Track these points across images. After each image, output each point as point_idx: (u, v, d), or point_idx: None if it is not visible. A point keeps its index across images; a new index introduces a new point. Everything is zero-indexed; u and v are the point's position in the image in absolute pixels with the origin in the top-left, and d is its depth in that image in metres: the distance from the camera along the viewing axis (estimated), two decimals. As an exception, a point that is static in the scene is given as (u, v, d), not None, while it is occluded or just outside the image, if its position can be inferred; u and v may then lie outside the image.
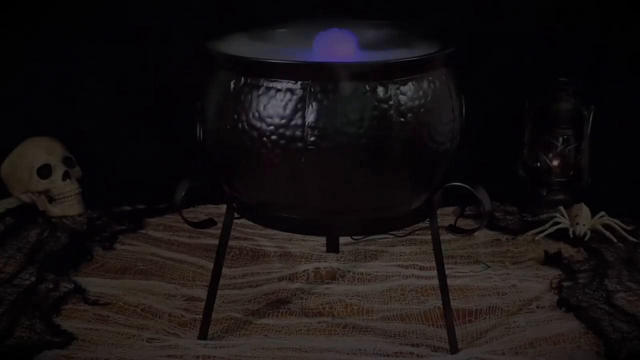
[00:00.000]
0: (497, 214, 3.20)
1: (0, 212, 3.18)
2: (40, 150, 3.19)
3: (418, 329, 2.42)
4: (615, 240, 2.94)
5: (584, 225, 2.97)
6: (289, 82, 1.97)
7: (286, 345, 2.34)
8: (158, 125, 3.36)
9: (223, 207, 2.33)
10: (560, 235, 2.99)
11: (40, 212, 3.20)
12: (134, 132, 3.38)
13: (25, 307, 2.51)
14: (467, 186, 2.13)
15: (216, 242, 2.34)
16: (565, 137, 3.15)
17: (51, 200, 3.20)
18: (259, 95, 1.99)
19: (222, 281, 2.44)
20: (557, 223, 3.01)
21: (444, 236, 2.77)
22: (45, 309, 2.50)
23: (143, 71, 3.30)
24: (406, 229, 3.00)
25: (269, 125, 1.98)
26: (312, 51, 2.21)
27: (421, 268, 2.79)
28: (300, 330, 2.42)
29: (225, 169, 2.18)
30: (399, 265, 2.81)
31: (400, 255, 2.89)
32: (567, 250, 2.92)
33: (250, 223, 2.53)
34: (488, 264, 2.82)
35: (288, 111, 1.96)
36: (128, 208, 3.28)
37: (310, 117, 1.94)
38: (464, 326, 2.44)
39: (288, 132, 1.97)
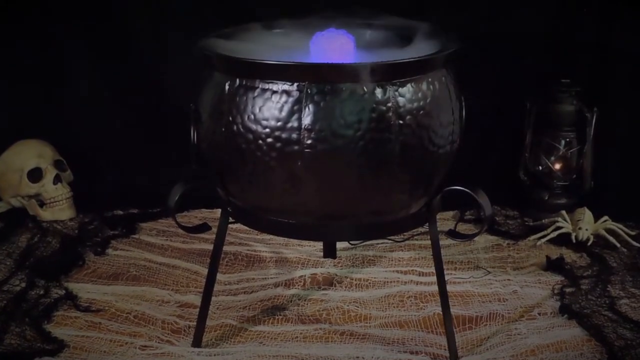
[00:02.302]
0: (497, 219, 3.20)
1: (-10, 217, 3.19)
2: (30, 154, 3.18)
3: (417, 336, 2.42)
4: (618, 245, 2.95)
5: (586, 230, 2.97)
6: (285, 84, 1.96)
7: (282, 352, 2.34)
8: (151, 127, 3.36)
9: (218, 212, 2.33)
10: (563, 240, 2.99)
11: (30, 217, 3.20)
12: (126, 135, 3.38)
13: (15, 313, 2.51)
14: (467, 190, 2.13)
15: (210, 247, 2.34)
16: (567, 139, 3.15)
17: (42, 204, 3.20)
18: (254, 97, 1.99)
19: (216, 287, 2.44)
20: (559, 228, 3.01)
21: (444, 241, 2.78)
22: (36, 315, 2.50)
23: (136, 72, 3.30)
24: (405, 233, 3.01)
25: (265, 127, 1.98)
26: (309, 52, 2.21)
27: (420, 274, 2.79)
28: (297, 337, 2.42)
29: (219, 172, 2.18)
30: (397, 271, 2.81)
31: (399, 261, 2.89)
32: (569, 255, 2.92)
33: (246, 228, 2.53)
34: (488, 269, 2.82)
35: (284, 113, 1.96)
36: (120, 212, 3.28)
37: (306, 120, 1.94)
38: (464, 333, 2.44)
39: (284, 135, 1.96)
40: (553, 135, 3.16)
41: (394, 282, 2.74)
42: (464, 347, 2.37)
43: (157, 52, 3.28)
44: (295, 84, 1.95)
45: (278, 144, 1.97)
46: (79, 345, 2.37)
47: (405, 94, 1.99)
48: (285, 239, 2.96)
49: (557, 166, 3.17)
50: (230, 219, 2.29)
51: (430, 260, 2.74)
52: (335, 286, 2.72)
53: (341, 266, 2.85)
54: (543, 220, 3.12)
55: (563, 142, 3.15)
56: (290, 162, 1.98)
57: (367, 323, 2.50)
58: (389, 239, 3.03)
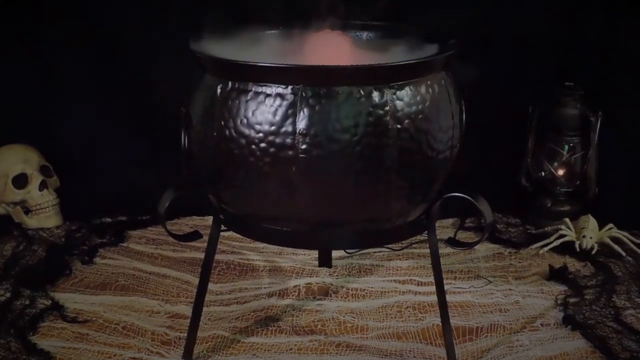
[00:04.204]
0: (499, 226, 3.21)
1: (-26, 224, 3.19)
2: (15, 159, 3.18)
3: (415, 348, 2.43)
4: (624, 254, 2.95)
5: (591, 238, 2.97)
6: (279, 87, 1.96)
7: (276, 365, 2.35)
8: (141, 132, 3.36)
9: (209, 219, 2.33)
10: (566, 248, 3.00)
11: (15, 224, 3.20)
12: (115, 139, 3.37)
13: (0, 324, 2.50)
14: (467, 197, 2.13)
15: (202, 256, 2.34)
16: (571, 144, 3.15)
17: (27, 211, 3.20)
18: (247, 101, 1.99)
19: (208, 297, 2.44)
20: (563, 236, 3.02)
21: (443, 250, 2.78)
22: (21, 326, 2.50)
23: (125, 75, 3.30)
24: (403, 242, 3.01)
25: (258, 132, 1.97)
26: (304, 54, 2.21)
27: (419, 283, 2.79)
28: (291, 349, 2.42)
29: (211, 178, 2.18)
30: (395, 281, 2.81)
31: (397, 270, 2.89)
32: (573, 264, 2.92)
33: (238, 236, 2.53)
34: (489, 279, 2.82)
35: (278, 117, 1.96)
36: (109, 220, 3.28)
37: (301, 124, 1.94)
38: (464, 345, 2.44)
39: (278, 140, 1.96)
40: (556, 140, 3.17)
41: (392, 292, 2.74)
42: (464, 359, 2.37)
43: (147, 54, 3.28)
44: (290, 87, 1.95)
45: (272, 149, 1.97)
46: (65, 357, 2.37)
47: (403, 98, 1.98)
48: (279, 247, 2.95)
49: (561, 172, 3.18)
50: (223, 227, 2.28)
51: (429, 269, 2.74)
52: (330, 296, 2.72)
53: (337, 275, 2.85)
54: (546, 228, 3.12)
55: (566, 147, 3.16)
56: (284, 167, 1.97)
57: (363, 334, 2.50)
58: (387, 248, 3.03)
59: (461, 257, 2.98)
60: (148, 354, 2.39)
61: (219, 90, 2.04)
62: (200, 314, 2.34)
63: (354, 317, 2.59)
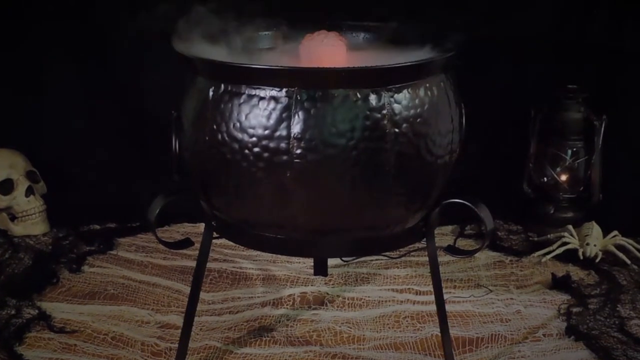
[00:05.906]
0: (500, 234, 3.21)
1: (-42, 231, 3.18)
2: (1, 164, 3.18)
3: (414, 359, 2.42)
4: (629, 262, 2.95)
5: (594, 245, 2.97)
6: (273, 90, 1.96)
7: (270, 376, 2.35)
8: (130, 136, 3.36)
9: (201, 226, 2.33)
10: (569, 256, 3.00)
11: (1, 231, 3.19)
12: (103, 144, 3.37)
13: (-16, 335, 2.51)
14: (467, 203, 2.13)
15: (193, 264, 2.34)
16: (574, 149, 3.15)
17: (13, 218, 3.19)
18: (240, 104, 1.99)
19: (199, 307, 2.44)
20: (566, 243, 3.02)
21: (442, 257, 2.78)
22: (7, 337, 2.50)
23: (114, 77, 3.30)
24: (401, 249, 3.01)
25: (252, 136, 1.97)
26: (299, 56, 2.21)
27: (417, 292, 2.79)
28: (286, 360, 2.43)
29: (203, 184, 2.18)
30: (393, 290, 2.81)
31: (395, 279, 2.89)
32: (576, 273, 2.92)
33: (231, 243, 2.53)
34: (490, 287, 2.82)
35: (272, 121, 1.96)
36: (97, 227, 3.28)
37: (296, 128, 1.94)
38: (464, 356, 2.44)
39: (272, 144, 1.96)
40: (559, 144, 3.17)
41: (389, 301, 2.74)
42: (464, 371, 2.38)
43: (135, 57, 3.27)
44: (284, 90, 1.95)
45: (265, 154, 1.97)
46: (52, 368, 2.37)
47: (401, 101, 1.98)
48: (273, 255, 2.96)
49: (564, 177, 3.18)
50: (215, 234, 2.28)
51: (427, 278, 2.74)
52: (326, 306, 2.72)
53: (333, 284, 2.85)
54: (548, 236, 3.12)
55: (570, 151, 3.16)
56: (279, 173, 1.97)
57: (360, 345, 2.50)
58: (384, 256, 3.03)
59: (461, 265, 2.98)
60: (138, 366, 2.40)
61: (211, 93, 2.04)
62: (192, 324, 2.34)
63: (351, 327, 2.59)
